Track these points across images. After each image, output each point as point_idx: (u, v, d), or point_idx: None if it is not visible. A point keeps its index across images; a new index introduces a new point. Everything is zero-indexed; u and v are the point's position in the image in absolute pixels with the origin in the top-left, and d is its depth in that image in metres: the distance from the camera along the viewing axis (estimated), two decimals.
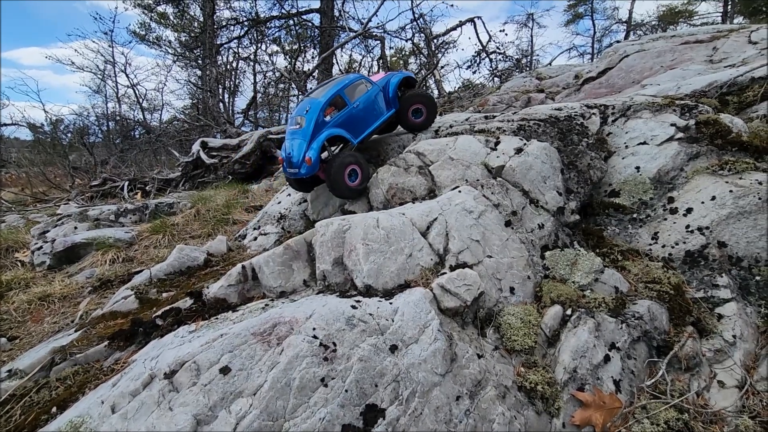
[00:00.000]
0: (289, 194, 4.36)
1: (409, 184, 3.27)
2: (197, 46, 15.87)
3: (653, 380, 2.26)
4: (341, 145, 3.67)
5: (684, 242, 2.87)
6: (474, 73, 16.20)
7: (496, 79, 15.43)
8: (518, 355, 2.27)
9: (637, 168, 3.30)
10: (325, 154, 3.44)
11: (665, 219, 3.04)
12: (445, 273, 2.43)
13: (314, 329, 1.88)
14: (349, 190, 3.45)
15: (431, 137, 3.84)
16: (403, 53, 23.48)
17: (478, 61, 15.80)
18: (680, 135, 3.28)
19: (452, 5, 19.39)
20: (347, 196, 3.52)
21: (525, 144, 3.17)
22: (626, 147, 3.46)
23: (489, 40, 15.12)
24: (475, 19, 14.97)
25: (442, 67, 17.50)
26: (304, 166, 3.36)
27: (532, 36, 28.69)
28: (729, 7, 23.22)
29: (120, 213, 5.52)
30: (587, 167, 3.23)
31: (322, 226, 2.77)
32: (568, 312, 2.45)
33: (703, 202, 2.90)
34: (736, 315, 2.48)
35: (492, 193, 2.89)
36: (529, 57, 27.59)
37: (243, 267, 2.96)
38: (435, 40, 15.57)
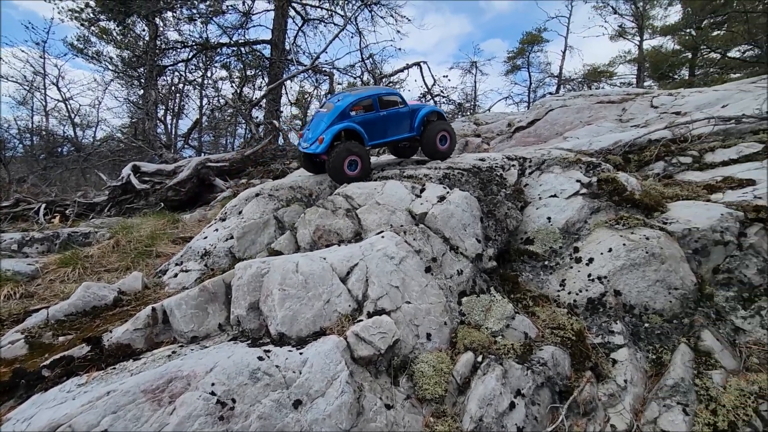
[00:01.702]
0: (216, 230, 4.22)
1: (336, 227, 3.29)
2: (140, 65, 15.28)
3: (554, 426, 2.37)
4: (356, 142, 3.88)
5: (586, 290, 3.11)
6: None
7: None
8: (429, 404, 2.30)
9: (549, 218, 3.57)
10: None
11: (571, 267, 3.29)
12: (361, 320, 2.44)
13: (213, 384, 1.80)
14: (347, 178, 3.71)
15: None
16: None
17: (424, 101, 16.59)
18: (584, 191, 3.63)
19: (400, 49, 20.39)
20: (346, 182, 3.70)
21: (448, 192, 3.35)
22: (540, 198, 3.76)
23: (434, 84, 15.99)
24: (422, 63, 15.82)
25: None
26: (316, 144, 3.65)
27: (475, 82, 30.79)
28: (641, 71, 26.36)
29: (25, 242, 5.00)
30: (504, 216, 3.45)
31: (240, 268, 2.70)
32: (479, 359, 2.54)
33: (602, 253, 3.19)
34: (628, 360, 2.71)
35: (414, 240, 2.99)
36: (472, 101, 29.51)
37: (153, 309, 2.79)
38: (383, 80, 16.19)
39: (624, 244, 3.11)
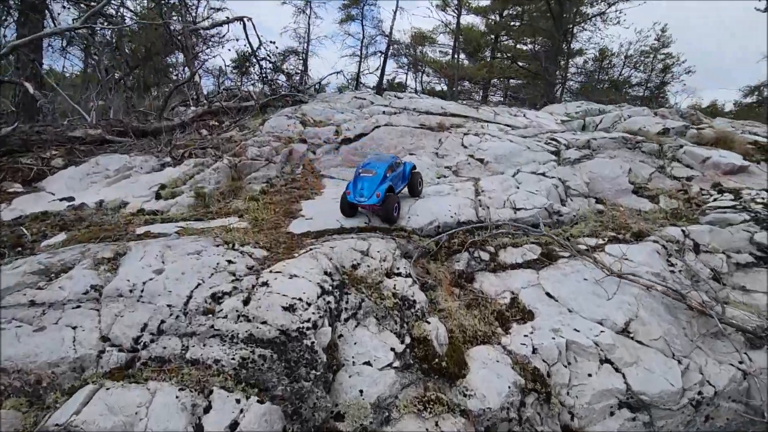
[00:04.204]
0: None
1: None
2: None
3: None
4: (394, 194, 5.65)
5: None
6: (242, 75, 14.64)
7: (264, 86, 14.42)
8: None
9: (361, 391, 3.32)
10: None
11: None
12: None
13: None
14: (394, 218, 5.40)
15: None
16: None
17: (247, 65, 14.39)
18: (397, 363, 3.47)
19: None
20: (393, 221, 5.44)
21: (243, 416, 2.68)
22: (354, 364, 3.46)
23: (260, 45, 13.87)
24: (245, 20, 13.45)
25: (205, 62, 15.25)
26: (374, 198, 5.15)
27: (309, 24, 28.38)
28: (456, 43, 28.53)
29: None
30: (313, 409, 3.03)
31: None
32: None
33: None
34: None
35: None
36: (304, 45, 27.32)
37: None
38: (197, 33, 13.23)
39: None
